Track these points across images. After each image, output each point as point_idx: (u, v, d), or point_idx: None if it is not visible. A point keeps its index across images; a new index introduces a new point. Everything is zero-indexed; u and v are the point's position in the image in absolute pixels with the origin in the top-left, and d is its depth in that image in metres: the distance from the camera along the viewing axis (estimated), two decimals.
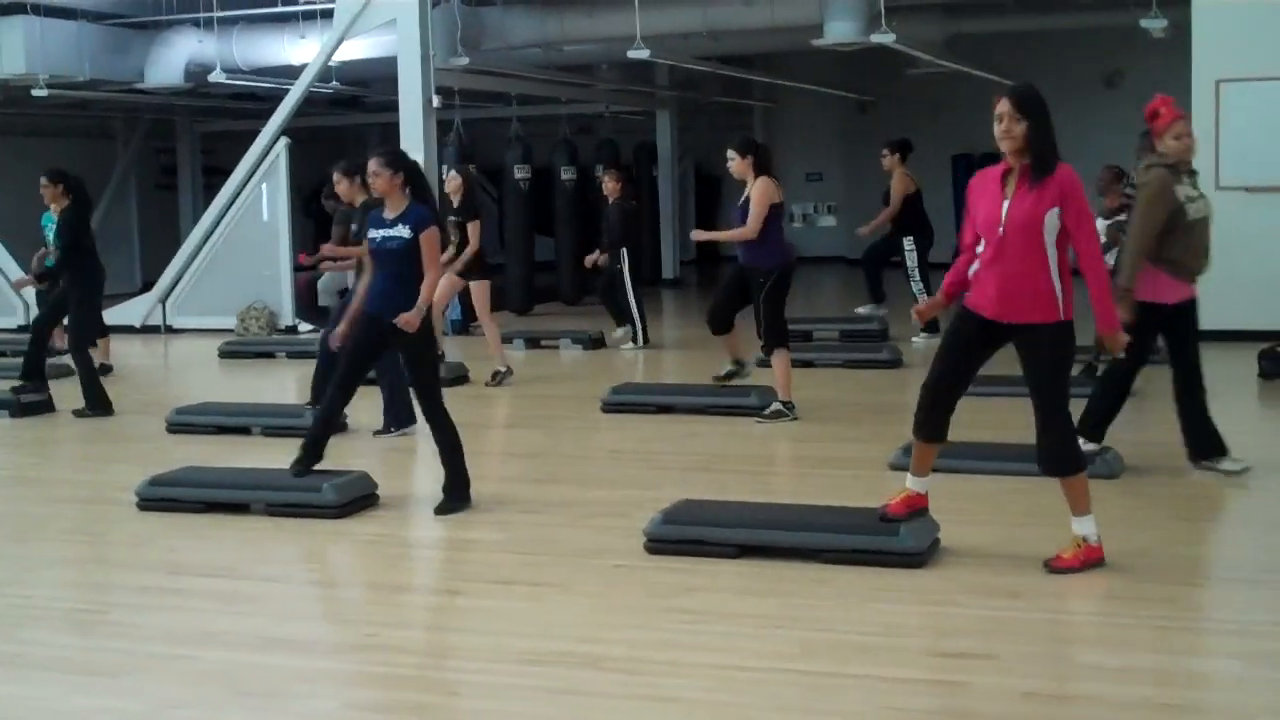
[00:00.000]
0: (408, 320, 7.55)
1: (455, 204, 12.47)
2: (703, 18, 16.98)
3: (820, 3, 16.07)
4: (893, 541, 6.40)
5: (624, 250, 14.70)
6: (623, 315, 14.83)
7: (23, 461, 10.02)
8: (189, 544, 7.41)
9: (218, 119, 25.50)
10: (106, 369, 13.54)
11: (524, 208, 19.34)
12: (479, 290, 12.52)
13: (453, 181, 12.69)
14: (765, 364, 10.80)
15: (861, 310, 15.55)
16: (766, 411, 10.25)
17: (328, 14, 17.56)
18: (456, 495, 7.77)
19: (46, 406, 11.63)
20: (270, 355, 15.29)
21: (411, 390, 8.34)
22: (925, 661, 5.28)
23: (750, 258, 10.16)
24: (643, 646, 5.49)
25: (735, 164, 10.37)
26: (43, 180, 11.86)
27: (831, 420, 10.31)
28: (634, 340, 14.68)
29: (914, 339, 13.90)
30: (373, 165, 7.82)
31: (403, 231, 7.73)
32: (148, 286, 19.26)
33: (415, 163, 8.09)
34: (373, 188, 7.98)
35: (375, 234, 7.85)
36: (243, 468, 8.71)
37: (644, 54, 16.25)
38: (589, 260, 15.26)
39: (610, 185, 15.03)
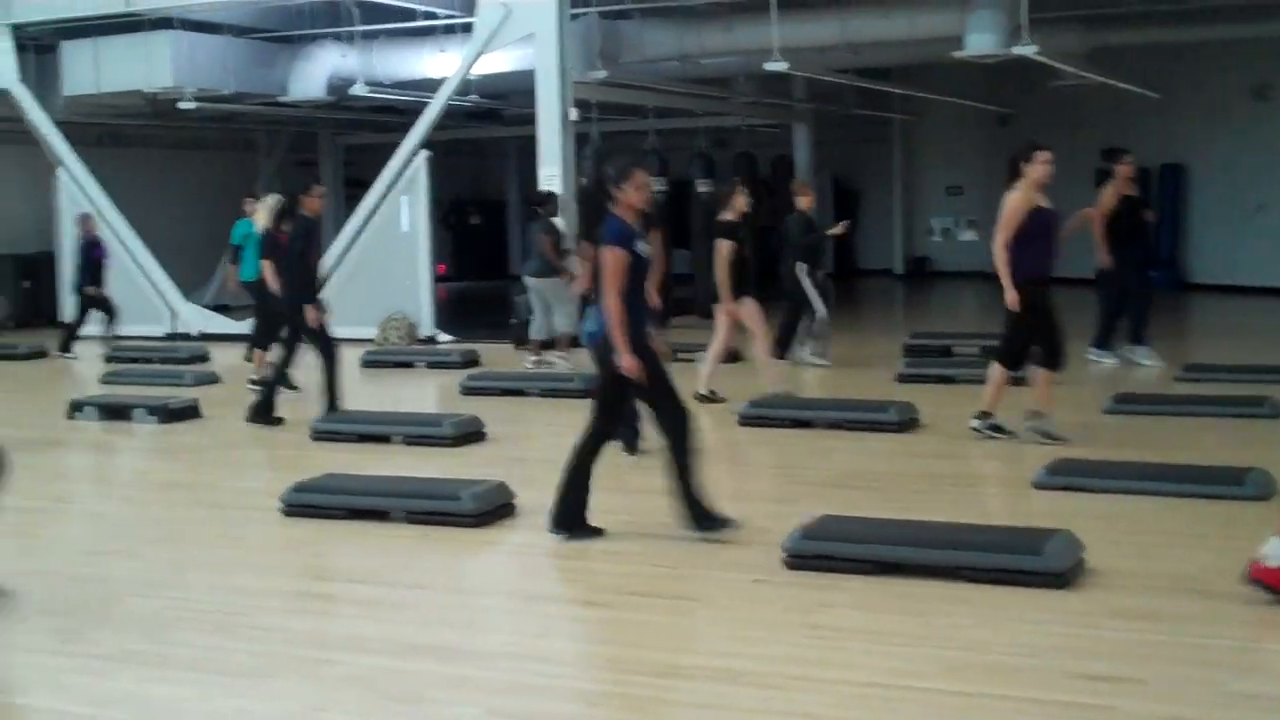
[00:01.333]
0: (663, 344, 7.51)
1: (739, 220, 12.09)
2: (841, 30, 16.91)
3: (961, 14, 15.93)
4: (1036, 561, 6.30)
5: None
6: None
7: (172, 466, 10.24)
8: (332, 550, 7.54)
9: (358, 131, 25.92)
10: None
11: (660, 221, 19.32)
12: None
13: (741, 198, 12.12)
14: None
15: (1145, 360, 13.60)
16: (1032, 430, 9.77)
17: (468, 28, 17.78)
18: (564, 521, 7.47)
19: (193, 412, 11.90)
20: (409, 365, 15.48)
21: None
22: (1069, 684, 5.19)
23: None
24: (780, 662, 5.46)
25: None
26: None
27: (972, 437, 10.17)
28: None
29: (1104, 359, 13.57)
30: (648, 177, 7.37)
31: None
32: None
33: None
34: (644, 200, 7.29)
35: (644, 247, 7.25)
36: (383, 475, 8.83)
37: (782, 66, 16.22)
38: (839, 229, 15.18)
39: (806, 198, 14.07)
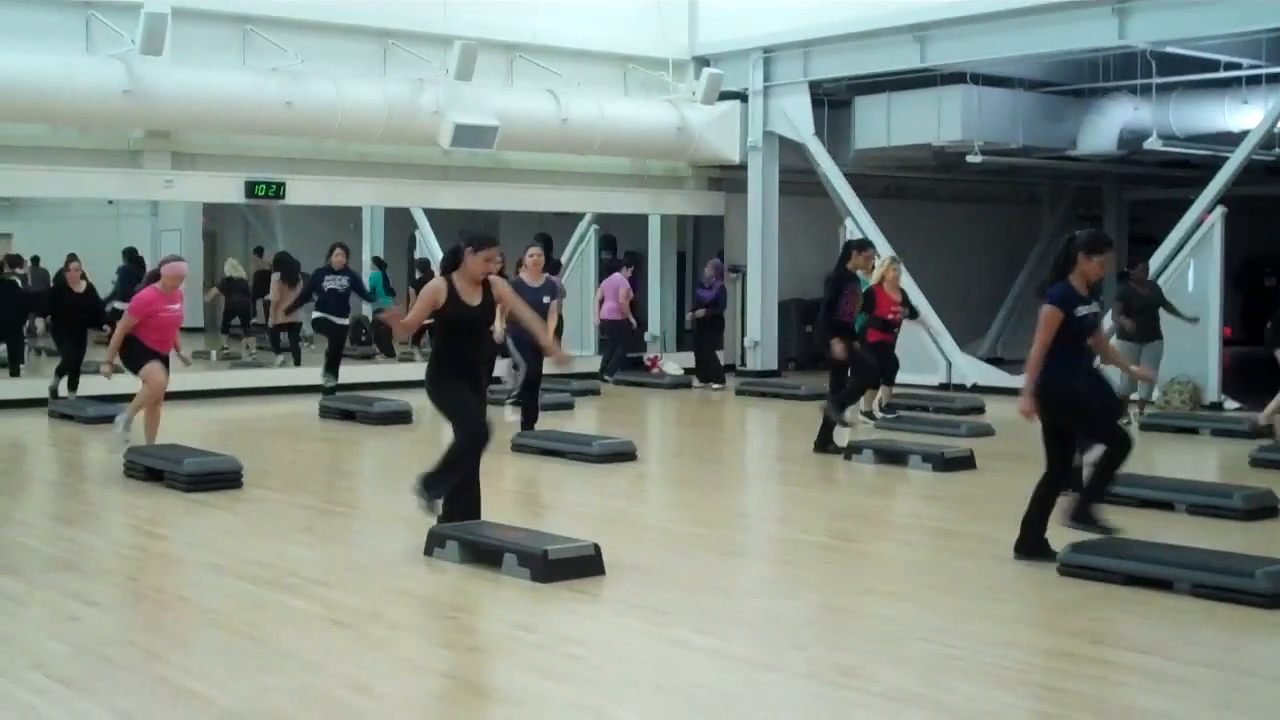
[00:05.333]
0: None
1: None
2: None
3: None
4: None
5: None
6: None
7: (947, 514, 10.21)
8: (1111, 615, 7.19)
9: (1146, 186, 25.13)
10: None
11: None
12: None
13: None
14: None
15: None
16: None
17: (1274, 79, 16.74)
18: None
19: (968, 463, 11.86)
20: (1193, 431, 14.68)
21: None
22: None
23: None
24: None
25: None
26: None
27: None
28: None
29: None
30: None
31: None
32: None
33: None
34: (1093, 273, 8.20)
35: (1084, 310, 8.15)
36: (1167, 544, 8.34)
37: None
38: None
39: None
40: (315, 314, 16.95)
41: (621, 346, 20.60)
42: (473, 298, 8.32)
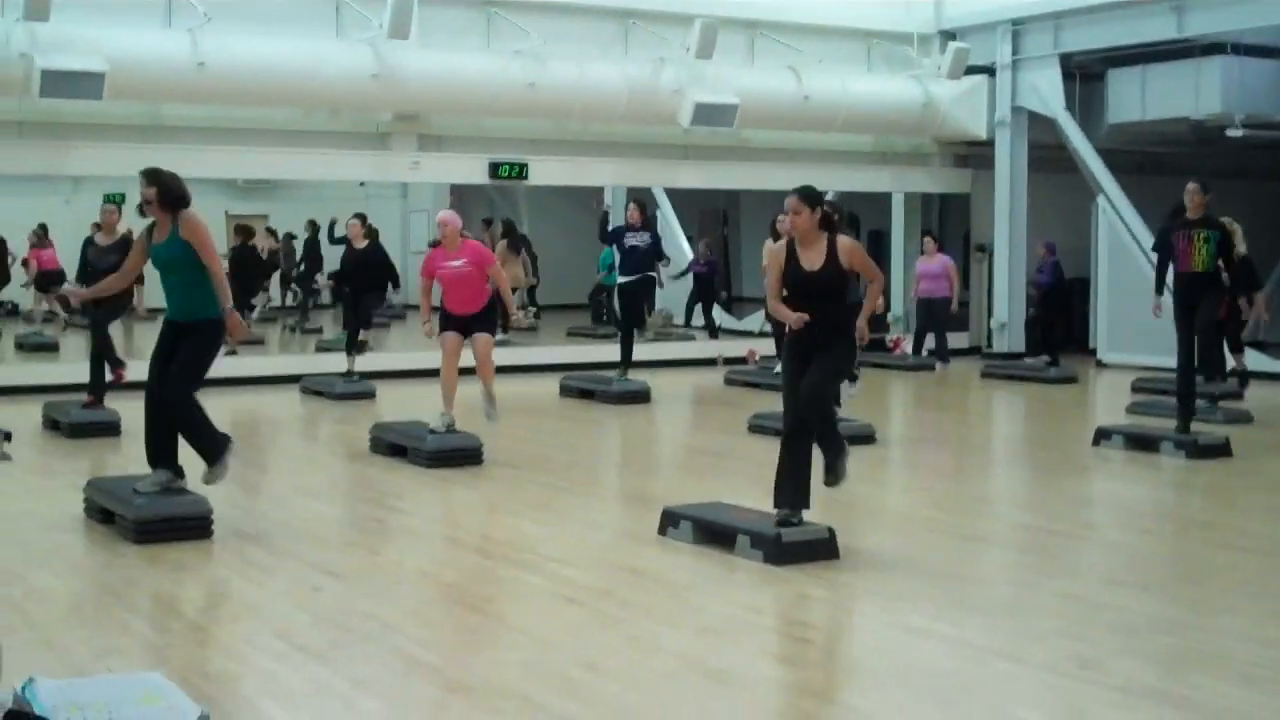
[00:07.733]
0: None
1: None
2: None
3: None
4: None
5: None
6: None
7: (1198, 504, 9.81)
8: None
9: None
10: None
11: None
12: None
13: None
14: None
15: None
16: None
17: None
18: None
19: (1223, 450, 11.36)
20: None
21: None
22: None
23: None
24: None
25: None
26: None
27: None
28: None
29: None
30: None
31: None
32: None
33: None
34: None
35: None
36: None
37: None
38: None
39: None
40: (620, 279, 16.10)
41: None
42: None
